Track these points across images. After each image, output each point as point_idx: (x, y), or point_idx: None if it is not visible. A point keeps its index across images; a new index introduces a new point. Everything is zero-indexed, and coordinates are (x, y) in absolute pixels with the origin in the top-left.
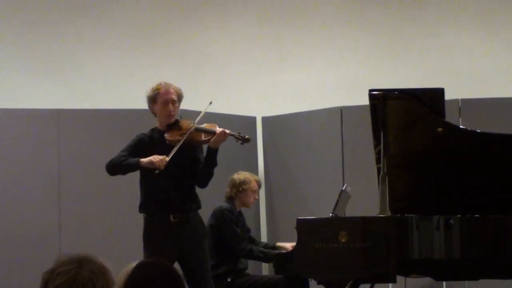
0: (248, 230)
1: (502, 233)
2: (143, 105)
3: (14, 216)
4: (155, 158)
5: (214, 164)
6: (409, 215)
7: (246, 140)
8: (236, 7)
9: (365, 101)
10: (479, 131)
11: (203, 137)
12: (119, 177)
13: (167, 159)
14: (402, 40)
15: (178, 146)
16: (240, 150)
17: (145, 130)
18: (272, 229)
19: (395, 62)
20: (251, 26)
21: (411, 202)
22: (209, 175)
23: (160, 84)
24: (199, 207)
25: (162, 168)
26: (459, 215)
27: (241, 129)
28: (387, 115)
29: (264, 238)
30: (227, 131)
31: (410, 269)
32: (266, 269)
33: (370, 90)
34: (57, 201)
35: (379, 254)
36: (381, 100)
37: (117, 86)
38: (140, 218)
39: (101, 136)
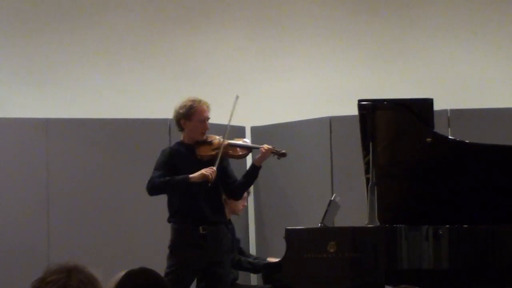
0: (238, 241)
1: (490, 243)
2: (132, 114)
3: (2, 226)
4: (207, 170)
5: (255, 178)
6: (398, 225)
7: (283, 155)
8: (226, 18)
9: (354, 111)
10: (467, 141)
11: (238, 152)
12: (107, 187)
13: (215, 168)
14: (391, 51)
15: (220, 156)
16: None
17: (133, 139)
18: (261, 239)
19: (385, 73)
20: (240, 37)
21: (400, 212)
22: (247, 189)
23: (194, 100)
24: (226, 220)
25: (213, 179)
26: (447, 225)
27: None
28: (376, 125)
29: (253, 248)
30: (270, 147)
31: (399, 279)
32: (255, 279)
33: (360, 100)
34: (46, 210)
35: (368, 264)
36: (370, 110)
37: (106, 95)
38: (129, 228)
39: (90, 146)
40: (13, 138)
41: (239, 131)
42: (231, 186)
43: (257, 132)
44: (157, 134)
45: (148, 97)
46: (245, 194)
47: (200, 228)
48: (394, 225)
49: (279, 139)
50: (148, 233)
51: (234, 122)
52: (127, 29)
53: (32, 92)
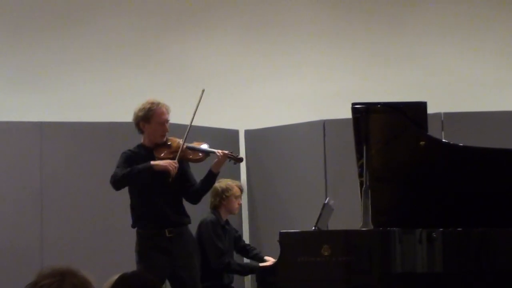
0: (239, 237)
1: (484, 247)
2: (126, 118)
3: None
4: (171, 164)
5: (212, 184)
6: (392, 228)
7: (239, 160)
8: (220, 21)
9: (348, 114)
10: (461, 144)
11: (196, 156)
12: (101, 190)
13: (176, 163)
14: (385, 54)
15: (180, 150)
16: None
17: (128, 143)
18: (255, 242)
19: (378, 76)
20: (234, 40)
21: (394, 216)
22: (204, 194)
23: (153, 103)
24: (190, 221)
25: (174, 173)
26: (441, 229)
27: (224, 142)
28: (370, 128)
29: None
30: (226, 152)
31: (393, 283)
32: (248, 282)
33: (353, 104)
34: (39, 214)
35: (362, 268)
36: (364, 114)
37: (100, 99)
38: (123, 232)
39: (84, 149)
40: (7, 141)
41: (233, 135)
42: (189, 190)
43: (250, 135)
44: None
45: (142, 101)
46: (239, 192)
47: (166, 231)
48: (388, 228)
49: (272, 143)
50: None
51: (228, 126)
52: (121, 33)
53: (27, 96)
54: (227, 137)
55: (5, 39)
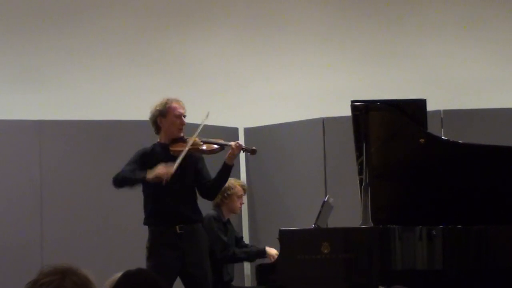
0: (241, 238)
1: (484, 244)
2: (125, 116)
3: None
4: (161, 170)
5: (227, 178)
6: (392, 226)
7: (253, 152)
8: (219, 18)
9: (347, 112)
10: (461, 142)
11: (209, 147)
12: (101, 188)
13: (173, 170)
14: (385, 51)
15: (183, 155)
16: (222, 161)
17: (126, 141)
18: (255, 240)
19: (378, 73)
20: (233, 37)
21: (394, 213)
22: (220, 188)
23: (168, 99)
24: (202, 220)
25: (168, 180)
26: (441, 226)
27: (223, 140)
28: (369, 126)
29: None
30: (240, 143)
31: (393, 280)
32: (249, 281)
33: (353, 101)
34: (39, 212)
35: (361, 265)
36: (364, 111)
37: (99, 97)
38: (123, 230)
39: (83, 147)
40: (6, 140)
41: (232, 132)
42: (205, 186)
43: (250, 133)
44: (149, 136)
45: (141, 99)
46: (242, 192)
47: (177, 227)
48: (388, 226)
49: (272, 140)
50: (142, 234)
51: (227, 123)
52: (120, 32)
53: (25, 94)
54: (227, 134)
55: (3, 38)
